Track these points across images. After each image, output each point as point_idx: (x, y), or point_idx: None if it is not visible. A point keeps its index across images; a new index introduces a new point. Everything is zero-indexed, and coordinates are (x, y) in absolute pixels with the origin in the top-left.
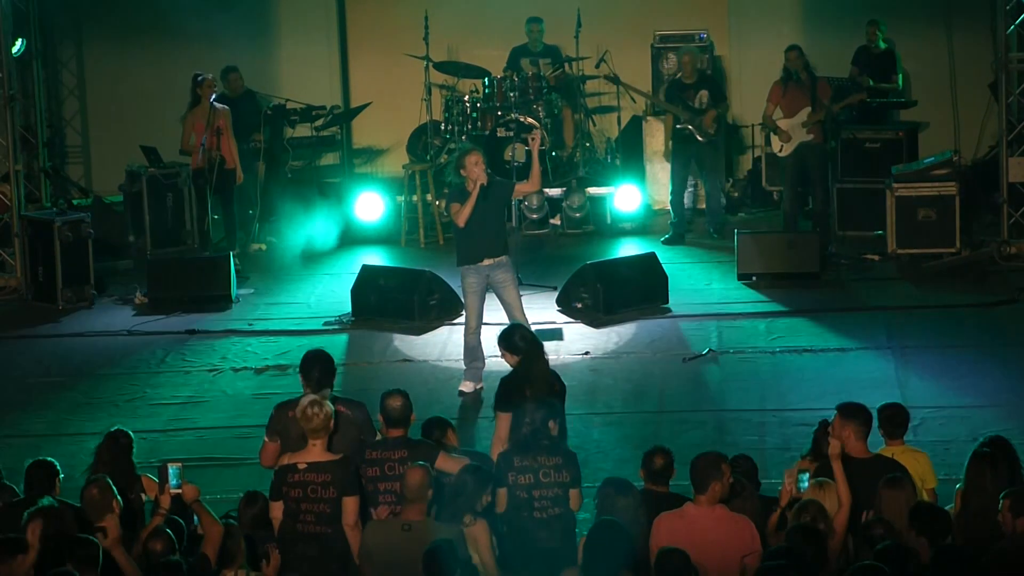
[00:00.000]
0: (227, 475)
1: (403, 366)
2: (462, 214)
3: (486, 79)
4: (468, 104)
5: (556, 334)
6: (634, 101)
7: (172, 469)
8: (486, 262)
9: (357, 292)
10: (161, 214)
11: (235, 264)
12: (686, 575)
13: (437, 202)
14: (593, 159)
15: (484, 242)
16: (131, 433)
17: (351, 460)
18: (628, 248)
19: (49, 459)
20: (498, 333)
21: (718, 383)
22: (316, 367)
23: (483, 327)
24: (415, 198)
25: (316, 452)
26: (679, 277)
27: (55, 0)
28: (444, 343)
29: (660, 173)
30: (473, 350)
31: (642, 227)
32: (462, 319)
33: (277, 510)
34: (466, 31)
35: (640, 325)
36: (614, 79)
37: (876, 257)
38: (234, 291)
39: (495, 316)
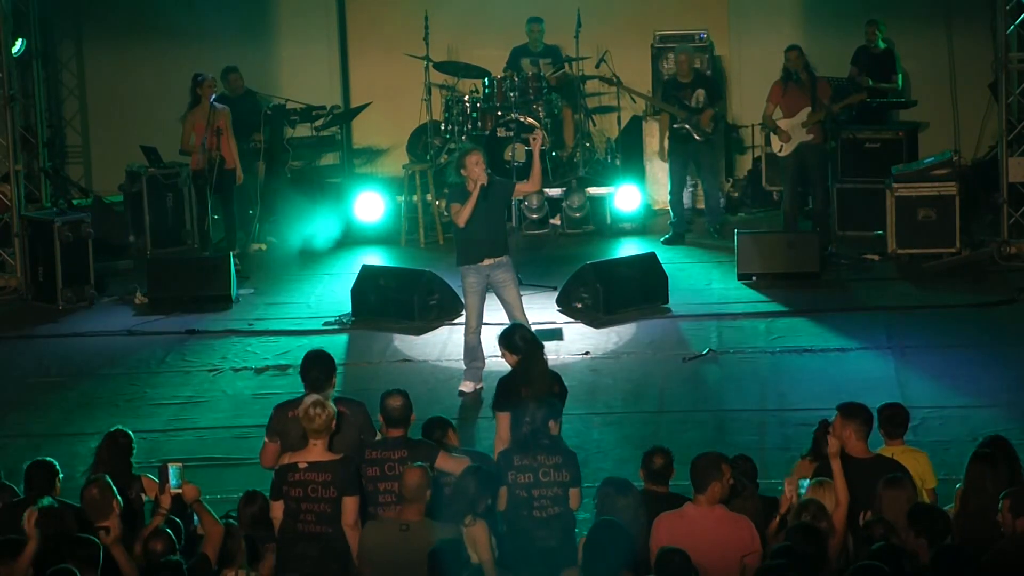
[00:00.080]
0: (227, 475)
1: (403, 366)
2: (462, 214)
3: (486, 79)
4: (468, 104)
5: (556, 334)
6: (634, 101)
7: (172, 469)
8: (486, 262)
9: (357, 292)
10: (161, 214)
11: (235, 264)
12: (686, 575)
13: (437, 202)
14: (593, 159)
15: (484, 242)
16: (131, 433)
17: (351, 460)
18: (628, 248)
19: (49, 459)
20: (498, 333)
21: (718, 383)
22: (316, 367)
23: (483, 327)
24: (415, 198)
25: (317, 452)
26: (679, 277)
27: (55, 0)
28: (444, 343)
29: (660, 173)
30: (473, 350)
31: (642, 227)
32: (462, 319)
33: (277, 510)
34: (466, 31)
35: (640, 325)
36: (611, 80)
37: (876, 257)
38: (234, 291)
39: (495, 316)
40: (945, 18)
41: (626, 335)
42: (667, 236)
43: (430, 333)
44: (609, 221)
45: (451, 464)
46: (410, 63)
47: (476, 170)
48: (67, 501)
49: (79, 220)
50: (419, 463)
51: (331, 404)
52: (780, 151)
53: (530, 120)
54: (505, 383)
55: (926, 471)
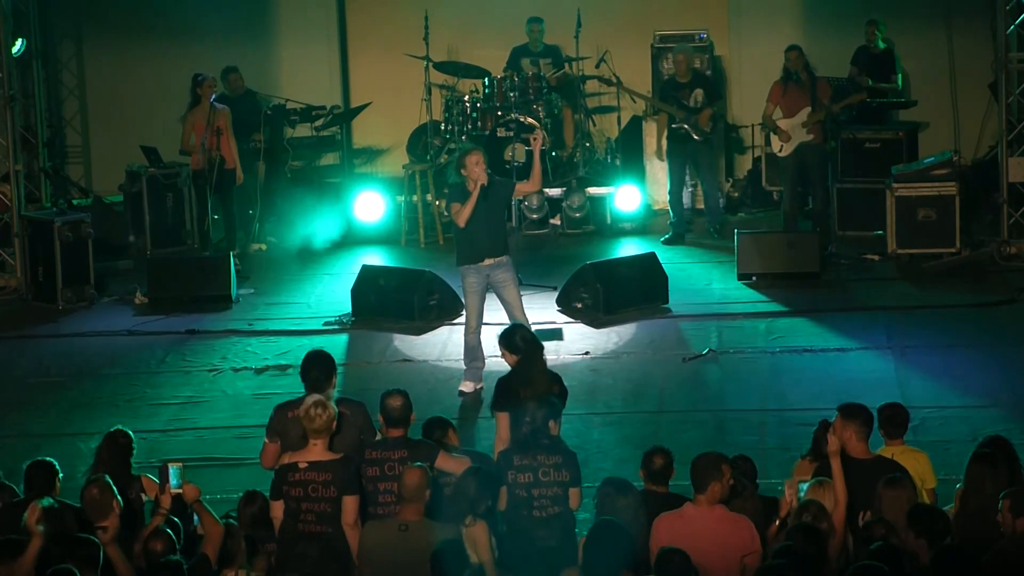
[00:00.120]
0: (227, 475)
1: (403, 366)
2: (463, 214)
3: (486, 79)
4: (468, 104)
5: (556, 334)
6: (634, 101)
7: (173, 469)
8: (487, 262)
9: (357, 292)
10: (161, 214)
11: (235, 264)
12: (686, 575)
13: (437, 202)
14: (593, 159)
15: (485, 242)
16: (131, 433)
17: (352, 459)
18: (628, 248)
19: (49, 459)
20: (499, 333)
21: (718, 383)
22: (316, 368)
23: (483, 327)
24: (415, 198)
25: (317, 451)
26: (679, 277)
27: (55, 0)
28: (444, 343)
29: (660, 173)
30: (473, 350)
31: (642, 227)
32: (462, 319)
33: (278, 510)
34: (466, 31)
35: (640, 325)
36: (610, 81)
37: (876, 257)
38: (234, 291)
39: (495, 316)
40: (945, 18)
41: (626, 335)
42: (667, 236)
43: (430, 333)
44: (609, 221)
45: (451, 464)
46: (410, 63)
47: (476, 170)
48: (67, 501)
49: (79, 220)
50: (419, 463)
51: (332, 405)
52: (780, 151)
53: (530, 120)
54: (504, 383)
55: (926, 471)
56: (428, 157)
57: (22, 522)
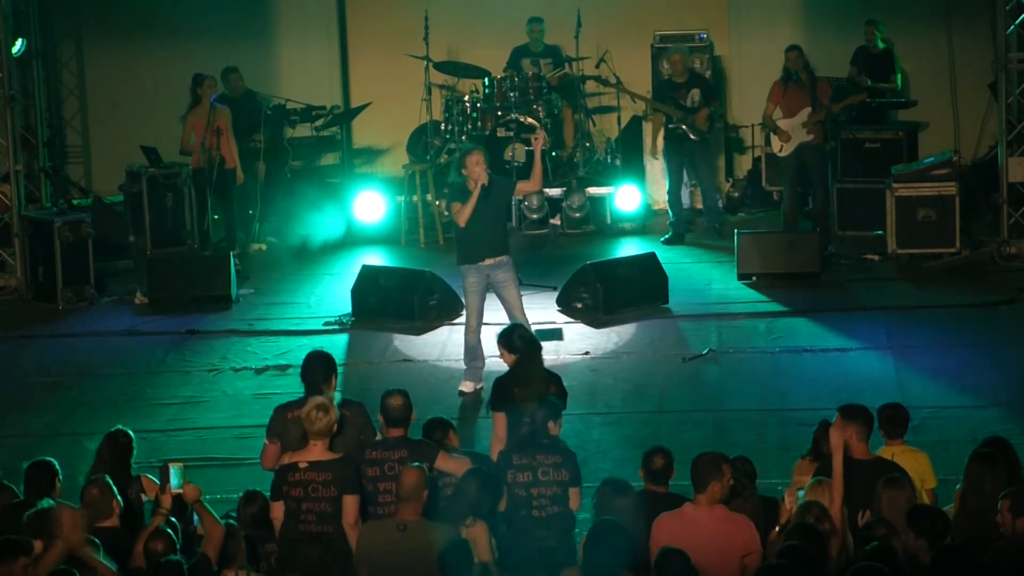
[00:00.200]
0: (227, 475)
1: (403, 366)
2: (463, 213)
3: (486, 79)
4: (468, 104)
5: (556, 334)
6: (634, 102)
7: (173, 469)
8: (487, 261)
9: (357, 292)
10: (161, 214)
11: (235, 264)
12: (686, 575)
13: (437, 202)
14: (593, 159)
15: (485, 241)
16: (131, 433)
17: (352, 459)
18: (628, 248)
19: (49, 459)
20: (497, 332)
21: (718, 383)
22: (316, 368)
23: (483, 327)
24: (415, 198)
25: (317, 451)
26: (679, 277)
27: (55, 0)
28: (444, 343)
29: (660, 173)
30: (473, 349)
31: (642, 227)
32: (462, 319)
33: (278, 511)
34: (466, 31)
35: (640, 325)
36: (608, 82)
37: (876, 257)
38: (234, 291)
39: (495, 316)
40: (945, 18)
41: (626, 335)
42: (667, 236)
43: (430, 333)
44: (609, 221)
45: (451, 465)
46: (410, 63)
47: (477, 170)
48: (66, 502)
49: (79, 220)
50: (417, 463)
51: (335, 409)
52: (780, 151)
53: (530, 120)
54: (501, 383)
55: (926, 471)
56: (428, 157)
57: (22, 520)
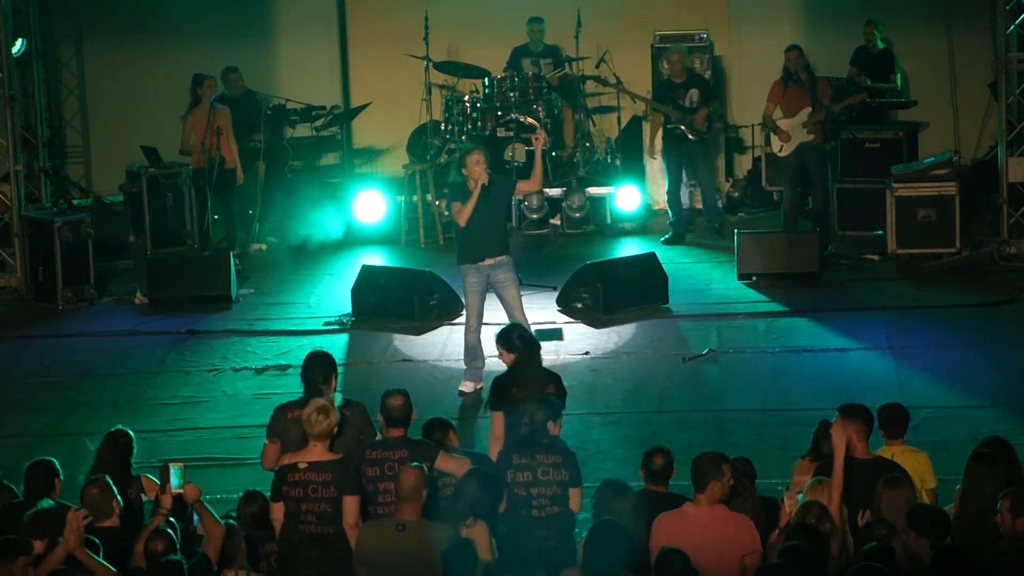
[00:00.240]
0: (227, 475)
1: (403, 366)
2: (463, 213)
3: (486, 79)
4: (468, 104)
5: (556, 334)
6: (634, 102)
7: (174, 469)
8: (487, 261)
9: (357, 292)
10: (161, 214)
11: (235, 264)
12: (686, 575)
13: (437, 202)
14: (593, 159)
15: (485, 241)
16: (131, 433)
17: (351, 459)
18: (628, 248)
19: (49, 459)
20: (496, 332)
21: (718, 383)
22: (316, 368)
23: (483, 327)
24: (415, 198)
25: (317, 452)
26: (679, 277)
27: (55, 0)
28: (444, 343)
29: (659, 173)
30: (473, 349)
31: (642, 227)
32: (462, 319)
33: (278, 511)
34: (466, 31)
35: (640, 325)
36: (607, 82)
37: (876, 257)
38: (234, 291)
39: (495, 316)
40: (945, 18)
41: (626, 335)
42: (667, 236)
43: (430, 333)
44: (609, 221)
45: (451, 465)
46: (410, 63)
47: (477, 169)
48: (66, 503)
49: (79, 220)
50: (417, 463)
51: (336, 412)
52: (780, 151)
53: (530, 120)
54: (500, 382)
55: (926, 471)
56: (428, 157)
57: (23, 520)
